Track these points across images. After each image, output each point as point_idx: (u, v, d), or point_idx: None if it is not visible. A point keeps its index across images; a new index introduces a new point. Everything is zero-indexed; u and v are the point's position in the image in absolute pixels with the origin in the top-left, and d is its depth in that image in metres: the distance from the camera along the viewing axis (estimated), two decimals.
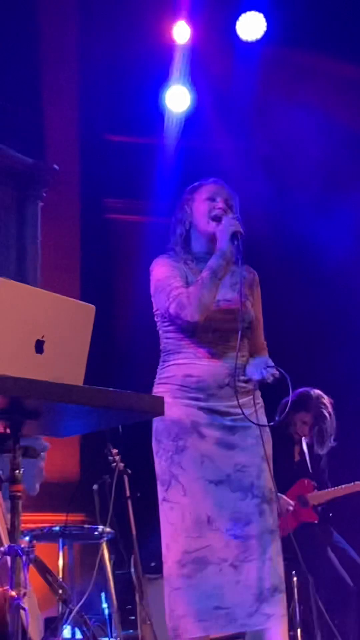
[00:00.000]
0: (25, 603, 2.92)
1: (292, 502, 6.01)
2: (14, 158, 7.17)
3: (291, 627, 5.14)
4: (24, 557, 2.96)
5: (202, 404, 4.12)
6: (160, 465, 4.16)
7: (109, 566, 5.36)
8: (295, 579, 5.57)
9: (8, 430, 3.05)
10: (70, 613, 4.16)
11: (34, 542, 3.88)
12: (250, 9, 7.78)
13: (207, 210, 4.31)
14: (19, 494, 3.03)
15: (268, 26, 7.74)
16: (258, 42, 7.80)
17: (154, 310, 4.32)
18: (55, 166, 7.39)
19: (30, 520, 5.57)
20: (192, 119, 7.97)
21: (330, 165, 7.78)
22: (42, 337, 2.98)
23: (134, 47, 7.86)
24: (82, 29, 8.09)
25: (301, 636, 5.61)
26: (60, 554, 5.29)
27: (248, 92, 7.81)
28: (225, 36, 7.91)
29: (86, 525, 5.70)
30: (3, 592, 3.00)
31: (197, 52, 7.87)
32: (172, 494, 4.10)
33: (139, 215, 8.36)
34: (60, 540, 5.29)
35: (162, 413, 3.36)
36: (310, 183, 7.85)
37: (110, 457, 5.37)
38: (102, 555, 5.28)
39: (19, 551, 2.95)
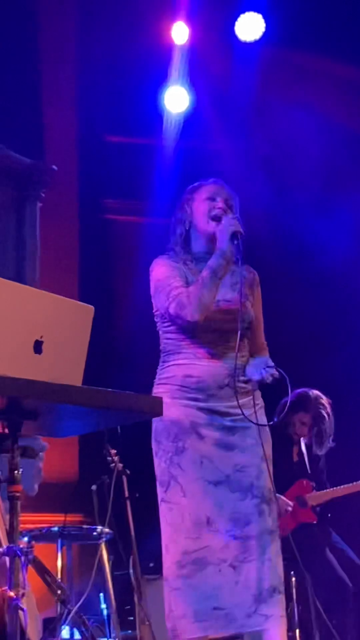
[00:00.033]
0: (23, 603, 2.92)
1: (290, 503, 6.01)
2: (12, 158, 7.17)
3: (290, 628, 5.15)
4: (22, 558, 2.96)
5: (201, 404, 4.12)
6: (159, 465, 4.16)
7: (107, 567, 5.36)
8: (293, 579, 5.57)
9: (6, 431, 3.04)
10: (68, 613, 4.16)
11: (33, 542, 3.88)
12: (248, 10, 7.77)
13: (207, 210, 4.32)
14: (17, 494, 3.02)
15: (267, 27, 7.74)
16: (257, 42, 7.80)
17: (153, 311, 4.32)
18: (54, 167, 7.39)
19: (29, 520, 5.57)
20: (191, 120, 7.97)
21: (330, 165, 7.78)
22: (41, 337, 2.98)
23: (133, 47, 7.86)
24: (81, 29, 8.09)
25: (299, 636, 5.61)
26: (59, 554, 5.29)
27: (247, 92, 7.81)
28: (224, 37, 7.90)
29: (85, 526, 5.70)
30: (2, 592, 3.00)
31: (195, 53, 7.86)
32: (171, 495, 4.10)
33: (138, 215, 8.35)
34: (59, 540, 5.29)
35: (160, 413, 3.35)
36: (310, 183, 7.85)
37: (108, 458, 5.37)
38: (101, 555, 5.28)
39: (18, 552, 2.95)
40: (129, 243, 8.08)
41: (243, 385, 4.17)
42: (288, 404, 4.24)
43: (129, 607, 5.72)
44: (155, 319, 4.33)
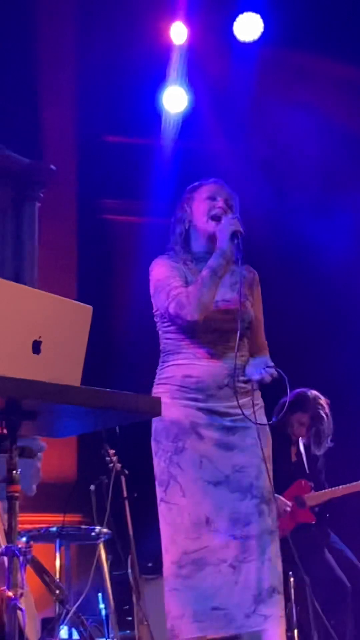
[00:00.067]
0: (22, 603, 2.92)
1: (289, 503, 6.01)
2: (11, 158, 7.17)
3: (288, 628, 5.15)
4: (21, 558, 2.96)
5: (201, 404, 4.12)
6: (159, 465, 4.16)
7: (106, 567, 5.36)
8: (292, 579, 5.57)
9: (5, 431, 3.05)
10: (67, 613, 4.17)
11: (31, 542, 3.88)
12: (247, 10, 7.78)
13: (207, 209, 4.31)
14: (16, 494, 3.03)
15: (265, 27, 7.74)
16: (255, 42, 7.80)
17: (153, 311, 4.32)
18: (53, 166, 7.39)
19: (28, 520, 5.57)
20: (189, 120, 7.97)
21: (329, 165, 7.78)
22: (39, 337, 2.98)
23: (132, 47, 7.86)
24: (79, 29, 8.09)
25: (298, 637, 5.61)
26: (57, 554, 5.28)
27: (245, 92, 7.81)
28: (223, 37, 7.91)
29: (83, 526, 5.70)
30: (0, 592, 3.00)
31: (194, 53, 7.86)
32: (170, 495, 4.10)
33: (136, 215, 8.36)
34: (57, 540, 5.29)
35: (159, 414, 3.36)
36: (309, 183, 7.85)
37: (107, 458, 5.37)
38: (99, 555, 5.28)
39: (16, 552, 2.95)
40: (127, 243, 8.09)
41: (243, 385, 4.17)
42: (287, 404, 4.25)
43: (127, 607, 5.71)
44: (155, 319, 4.33)
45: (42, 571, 4.44)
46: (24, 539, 5.06)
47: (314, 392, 6.29)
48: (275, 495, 4.31)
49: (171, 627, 4.02)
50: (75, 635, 4.82)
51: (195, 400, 4.12)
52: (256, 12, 7.76)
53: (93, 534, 5.31)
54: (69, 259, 8.02)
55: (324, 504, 6.21)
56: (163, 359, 4.27)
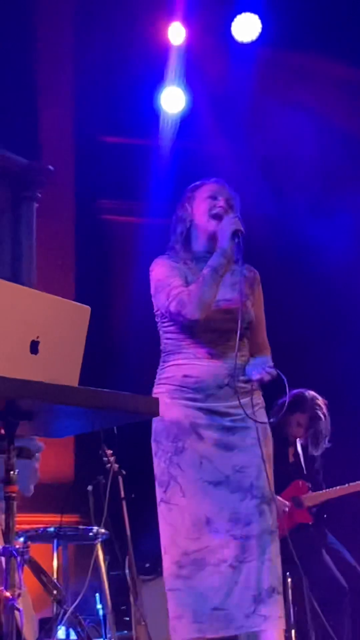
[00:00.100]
0: (19, 604, 2.92)
1: (287, 503, 6.01)
2: (9, 159, 7.17)
3: (286, 628, 5.15)
4: (18, 558, 2.96)
5: (200, 404, 4.12)
6: (159, 466, 4.16)
7: (103, 567, 5.36)
8: (289, 580, 5.57)
9: (2, 431, 3.05)
10: (64, 614, 4.16)
11: (29, 543, 3.89)
12: (245, 11, 7.77)
13: (208, 208, 4.32)
14: (14, 494, 3.03)
15: (263, 27, 7.74)
16: (253, 43, 7.80)
17: (154, 311, 4.32)
18: (51, 167, 7.39)
19: (25, 521, 5.56)
20: (187, 120, 7.97)
21: (328, 165, 7.78)
22: (37, 337, 2.98)
23: (130, 47, 7.86)
24: (77, 29, 8.08)
25: (295, 637, 5.61)
26: (55, 554, 5.29)
27: (243, 93, 7.80)
28: (221, 37, 7.90)
29: (81, 526, 5.70)
30: None
31: (192, 53, 7.86)
32: (170, 495, 4.10)
33: (134, 216, 8.35)
34: (55, 541, 5.29)
35: (157, 414, 3.36)
36: (308, 184, 7.85)
37: (104, 458, 5.37)
38: (97, 556, 5.28)
39: (14, 552, 2.95)
40: (125, 243, 8.08)
41: (243, 385, 4.17)
42: (286, 404, 4.25)
43: (124, 607, 5.71)
44: (156, 319, 4.33)
45: (39, 571, 4.43)
46: (21, 539, 5.06)
47: (312, 393, 6.29)
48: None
49: (171, 627, 4.02)
50: (73, 635, 4.82)
51: (195, 400, 4.12)
52: (254, 12, 7.76)
53: (90, 534, 5.31)
54: (66, 259, 8.02)
55: (321, 504, 6.21)
56: (163, 359, 4.28)
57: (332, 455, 6.36)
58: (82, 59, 7.92)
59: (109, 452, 5.38)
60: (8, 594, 2.92)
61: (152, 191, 7.75)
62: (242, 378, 4.17)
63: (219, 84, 7.95)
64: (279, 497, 5.90)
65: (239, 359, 4.14)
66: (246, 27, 7.78)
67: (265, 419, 4.23)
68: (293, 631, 5.59)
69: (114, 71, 7.94)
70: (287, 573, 5.47)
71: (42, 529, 5.25)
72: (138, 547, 5.47)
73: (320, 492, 6.22)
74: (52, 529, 5.24)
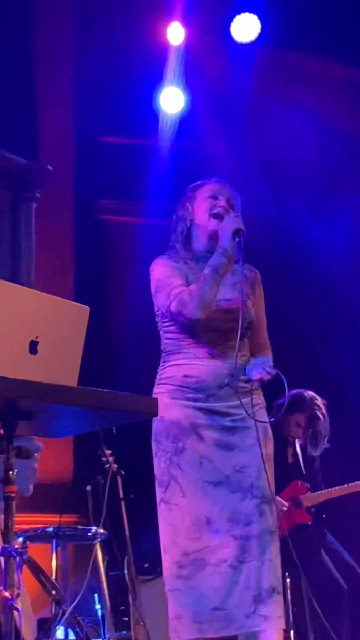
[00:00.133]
0: (18, 604, 2.92)
1: (285, 504, 6.01)
2: (8, 159, 7.16)
3: (285, 629, 5.14)
4: (17, 558, 2.96)
5: (201, 404, 4.12)
6: (159, 466, 4.16)
7: (102, 567, 5.36)
8: (288, 580, 5.57)
9: (1, 431, 3.05)
10: (63, 614, 4.16)
11: (28, 543, 3.89)
12: (244, 11, 7.77)
13: (209, 208, 4.32)
14: (13, 494, 3.03)
15: (262, 28, 7.74)
16: (252, 43, 7.80)
17: (155, 311, 4.31)
18: (50, 167, 7.39)
19: (24, 521, 5.56)
20: (186, 121, 7.97)
21: (328, 166, 7.78)
22: (36, 338, 2.98)
23: (129, 48, 7.86)
24: (77, 29, 8.08)
25: (294, 637, 5.61)
26: (54, 555, 5.29)
27: (242, 93, 7.80)
28: (220, 38, 7.90)
29: (80, 527, 5.70)
30: None
31: (191, 54, 7.86)
32: (170, 495, 4.10)
33: (133, 216, 8.35)
34: (54, 541, 5.29)
35: (156, 414, 3.36)
36: (308, 184, 7.85)
37: (103, 458, 5.37)
38: (96, 556, 5.28)
39: (13, 552, 2.95)
40: (124, 244, 8.09)
41: (243, 384, 4.16)
42: (285, 404, 4.25)
43: (123, 607, 5.71)
44: (156, 319, 4.33)
45: (38, 571, 4.43)
46: (20, 539, 5.06)
47: (311, 393, 6.29)
48: None
49: (172, 627, 4.02)
50: (72, 635, 4.82)
51: (195, 400, 4.12)
52: (253, 12, 7.76)
53: (89, 534, 5.31)
54: (65, 259, 8.02)
55: (320, 504, 6.21)
56: (164, 359, 4.27)
57: (331, 455, 6.36)
58: (82, 59, 7.92)
59: (108, 452, 5.38)
60: (7, 594, 2.92)
61: (151, 191, 7.75)
62: (242, 378, 4.17)
63: (218, 84, 7.95)
64: (277, 497, 5.90)
65: (239, 358, 4.14)
66: (245, 27, 7.77)
67: (266, 419, 4.23)
68: (292, 631, 5.59)
69: (113, 71, 7.94)
70: (286, 573, 5.47)
71: (41, 529, 5.25)
72: (137, 547, 5.47)
73: (319, 492, 6.22)
74: (51, 529, 5.25)
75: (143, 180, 7.91)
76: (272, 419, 4.27)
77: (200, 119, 7.96)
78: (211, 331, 4.16)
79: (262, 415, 4.23)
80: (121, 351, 7.56)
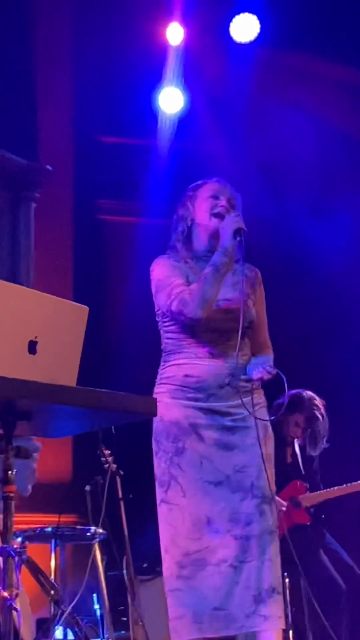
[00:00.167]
0: (17, 604, 2.92)
1: (284, 504, 6.01)
2: (7, 159, 7.16)
3: (284, 629, 5.15)
4: (16, 558, 2.96)
5: (201, 404, 4.12)
6: (159, 466, 4.15)
7: (101, 567, 5.36)
8: (287, 580, 5.57)
9: (0, 431, 3.05)
10: (62, 614, 4.16)
11: (27, 543, 3.89)
12: (243, 11, 7.77)
13: (210, 207, 4.31)
14: (12, 494, 3.03)
15: (262, 28, 7.74)
16: (252, 43, 7.80)
17: (155, 310, 4.31)
18: (49, 167, 7.39)
19: (23, 521, 5.56)
20: (185, 121, 7.97)
21: (327, 166, 7.78)
22: (35, 337, 2.98)
23: (128, 48, 7.85)
24: (76, 29, 8.08)
25: (293, 637, 5.61)
26: (53, 554, 5.28)
27: (242, 93, 7.80)
28: (219, 38, 7.90)
29: (78, 526, 5.70)
30: None
31: (190, 54, 7.86)
32: (171, 495, 4.10)
33: (132, 216, 8.36)
34: (53, 541, 5.29)
35: (155, 414, 3.36)
36: (307, 184, 7.85)
37: (102, 458, 5.37)
38: (94, 556, 5.28)
39: (12, 552, 2.95)
40: (123, 243, 8.09)
41: (244, 384, 4.16)
42: (285, 405, 4.25)
43: (122, 607, 5.71)
44: (157, 318, 4.32)
45: (37, 571, 4.43)
46: (19, 539, 5.06)
47: (309, 393, 6.29)
48: None
49: (172, 627, 4.02)
50: (70, 635, 4.82)
51: (196, 400, 4.12)
52: (253, 12, 7.76)
53: (88, 534, 5.31)
54: (65, 259, 8.02)
55: (319, 504, 6.21)
56: (164, 359, 4.27)
57: (330, 455, 6.36)
58: (81, 59, 7.92)
59: (107, 452, 5.38)
60: (6, 594, 2.92)
61: (150, 191, 7.75)
62: (243, 377, 4.17)
63: (217, 84, 7.95)
64: (277, 497, 5.90)
65: (240, 358, 4.14)
66: (244, 28, 7.78)
67: (267, 418, 4.23)
68: (291, 632, 5.59)
69: (112, 71, 7.94)
70: (285, 573, 5.47)
71: (39, 529, 5.25)
72: (136, 547, 5.47)
73: (318, 492, 6.22)
74: (49, 529, 5.24)
75: (142, 181, 7.92)
76: (273, 417, 4.27)
77: (199, 119, 7.97)
78: (211, 331, 4.16)
79: (263, 414, 4.23)
80: (120, 351, 7.56)
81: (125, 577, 5.42)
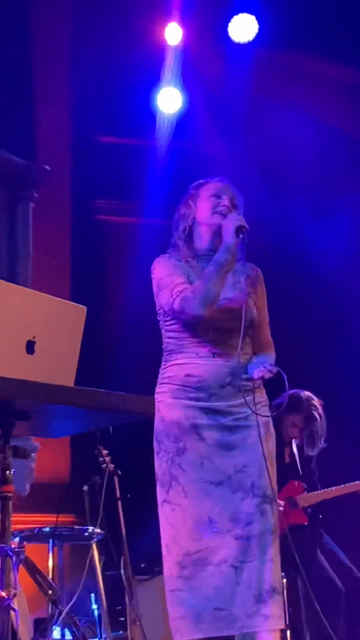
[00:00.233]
0: (15, 604, 2.92)
1: (282, 503, 6.01)
2: (5, 159, 7.17)
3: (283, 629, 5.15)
4: (14, 558, 2.96)
5: (202, 403, 4.11)
6: (160, 466, 4.14)
7: (98, 567, 5.36)
8: (284, 580, 5.57)
9: None
10: (60, 614, 4.17)
11: (24, 542, 3.88)
12: (242, 11, 7.78)
13: (212, 206, 4.30)
14: (9, 494, 3.03)
15: (260, 28, 7.75)
16: (250, 43, 7.81)
17: (157, 309, 4.30)
18: (47, 167, 7.39)
19: (21, 521, 5.56)
20: (183, 121, 7.98)
21: (327, 166, 7.78)
22: (33, 337, 2.98)
23: (126, 48, 7.86)
24: (74, 29, 8.09)
25: (291, 638, 5.61)
26: (50, 554, 5.28)
27: (240, 93, 7.81)
28: (218, 38, 7.91)
29: (76, 526, 5.70)
30: None
31: (189, 54, 7.87)
32: (172, 495, 4.09)
33: (130, 216, 8.36)
34: (51, 541, 5.28)
35: (153, 414, 3.36)
36: (306, 184, 7.85)
37: (100, 458, 5.37)
38: (92, 556, 5.28)
39: (9, 552, 2.95)
40: (121, 244, 8.09)
41: (245, 383, 4.16)
42: (285, 404, 4.24)
43: (120, 607, 5.71)
44: (158, 318, 4.32)
45: (34, 571, 4.44)
46: (17, 539, 5.05)
47: (307, 393, 6.29)
48: None
49: (173, 627, 4.01)
50: (68, 635, 4.82)
51: (197, 399, 4.11)
52: (251, 13, 7.77)
53: (86, 534, 5.31)
54: (63, 259, 8.02)
55: (316, 505, 6.21)
56: (165, 359, 4.26)
57: (327, 455, 6.36)
58: (79, 60, 7.92)
59: (105, 452, 5.38)
60: (3, 593, 2.92)
61: (149, 191, 7.75)
62: (244, 376, 4.17)
63: (216, 85, 7.96)
64: None
65: (241, 357, 4.13)
66: (243, 28, 7.78)
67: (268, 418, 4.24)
68: (288, 632, 5.58)
69: (110, 71, 7.94)
70: (282, 573, 5.47)
71: (37, 528, 5.25)
72: (133, 547, 5.47)
73: (316, 492, 6.22)
74: (47, 529, 5.24)
75: (140, 181, 7.92)
76: (274, 414, 4.27)
77: (197, 119, 7.97)
78: (213, 330, 4.15)
79: (265, 413, 4.22)
80: (118, 351, 7.56)
81: (123, 577, 5.43)
